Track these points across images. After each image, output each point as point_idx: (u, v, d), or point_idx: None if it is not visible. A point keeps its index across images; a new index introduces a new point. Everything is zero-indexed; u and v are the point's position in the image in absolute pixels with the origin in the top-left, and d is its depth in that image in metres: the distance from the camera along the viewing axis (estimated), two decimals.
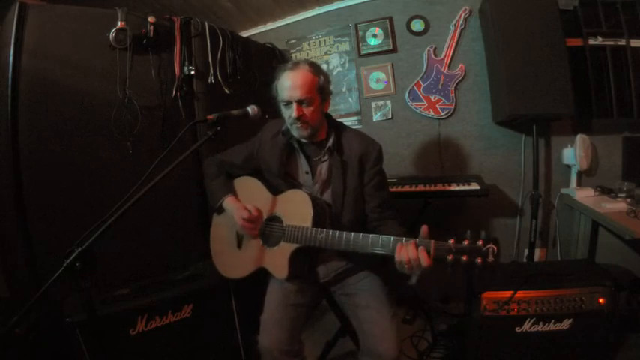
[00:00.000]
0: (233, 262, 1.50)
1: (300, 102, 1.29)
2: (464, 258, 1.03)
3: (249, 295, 1.55)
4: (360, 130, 1.46)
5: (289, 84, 1.29)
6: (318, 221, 1.30)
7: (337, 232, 1.24)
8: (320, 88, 1.33)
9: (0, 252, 1.82)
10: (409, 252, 1.09)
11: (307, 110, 1.30)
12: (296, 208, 1.33)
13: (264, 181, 1.49)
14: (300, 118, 1.29)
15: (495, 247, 1.01)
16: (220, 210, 1.50)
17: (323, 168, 1.40)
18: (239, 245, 1.50)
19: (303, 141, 1.40)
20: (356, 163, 1.37)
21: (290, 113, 1.31)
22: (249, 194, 1.49)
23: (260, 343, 1.32)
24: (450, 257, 1.04)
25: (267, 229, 1.42)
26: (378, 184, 1.40)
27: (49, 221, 1.63)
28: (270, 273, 1.39)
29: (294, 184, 1.43)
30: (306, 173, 1.42)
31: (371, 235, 1.19)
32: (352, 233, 1.22)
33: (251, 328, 1.45)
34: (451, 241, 1.05)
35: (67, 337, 1.36)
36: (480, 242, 1.02)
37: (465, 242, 1.04)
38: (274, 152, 1.44)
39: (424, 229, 1.11)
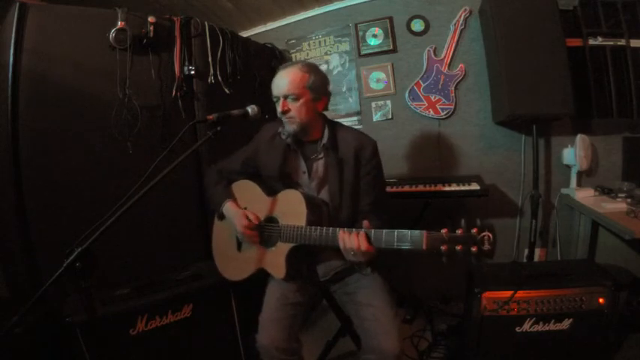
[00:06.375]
0: (234, 264, 1.51)
1: (285, 97, 1.34)
2: (458, 248, 1.01)
3: (249, 295, 1.55)
4: (355, 128, 1.48)
5: (277, 81, 1.36)
6: (312, 220, 1.30)
7: (331, 228, 1.24)
8: (310, 86, 1.35)
9: (0, 252, 1.82)
10: (351, 239, 1.16)
11: (293, 106, 1.34)
12: (291, 208, 1.34)
13: (262, 184, 1.50)
14: (285, 112, 1.34)
15: (491, 235, 1.00)
16: (222, 215, 1.51)
17: (319, 165, 1.42)
18: (239, 248, 1.51)
19: (299, 139, 1.42)
20: (351, 158, 1.38)
21: (278, 108, 1.36)
22: (248, 197, 1.50)
23: (258, 342, 1.33)
24: (443, 248, 1.02)
25: (266, 231, 1.42)
26: (373, 180, 1.41)
27: (49, 221, 1.62)
28: (270, 273, 1.40)
29: (292, 184, 1.44)
30: (304, 173, 1.43)
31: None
32: (336, 229, 1.23)
33: (251, 327, 1.45)
34: (444, 231, 1.03)
35: (67, 337, 1.36)
36: (474, 230, 1.01)
37: (459, 232, 1.03)
38: (272, 153, 1.45)
39: (365, 223, 1.18)
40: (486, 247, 1.00)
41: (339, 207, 1.38)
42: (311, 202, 1.33)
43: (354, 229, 1.19)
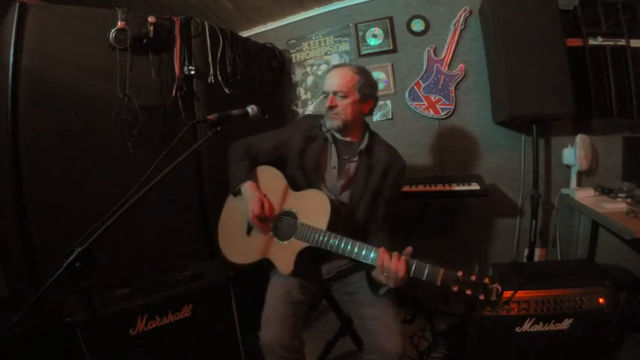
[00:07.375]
0: (239, 247, 1.51)
1: (334, 93, 1.40)
2: (468, 292, 1.05)
3: (249, 294, 1.55)
4: (392, 145, 1.54)
5: (329, 78, 1.43)
6: (333, 225, 1.30)
7: (350, 241, 1.24)
8: (359, 87, 1.41)
9: (0, 252, 1.82)
10: (392, 260, 1.14)
11: (341, 103, 1.40)
12: (314, 208, 1.34)
13: (286, 174, 1.49)
14: (332, 107, 1.40)
15: (500, 288, 1.04)
16: (237, 193, 1.49)
17: (351, 167, 1.46)
18: (248, 232, 1.49)
19: (338, 137, 1.47)
20: (380, 171, 1.43)
21: (326, 103, 1.42)
22: (271, 184, 1.48)
23: (262, 339, 1.33)
24: (455, 288, 1.06)
25: (279, 222, 1.42)
26: (392, 197, 1.46)
27: (49, 221, 1.63)
28: (274, 265, 1.39)
29: (317, 178, 1.45)
30: (334, 168, 1.46)
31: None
32: (365, 246, 1.22)
33: (251, 327, 1.45)
34: (460, 273, 1.07)
35: (67, 337, 1.36)
36: (486, 280, 1.05)
37: (473, 277, 1.06)
38: (306, 142, 1.48)
39: (409, 249, 1.17)
40: (493, 298, 1.04)
41: (355, 209, 1.41)
42: (334, 206, 1.33)
43: (395, 253, 1.16)
